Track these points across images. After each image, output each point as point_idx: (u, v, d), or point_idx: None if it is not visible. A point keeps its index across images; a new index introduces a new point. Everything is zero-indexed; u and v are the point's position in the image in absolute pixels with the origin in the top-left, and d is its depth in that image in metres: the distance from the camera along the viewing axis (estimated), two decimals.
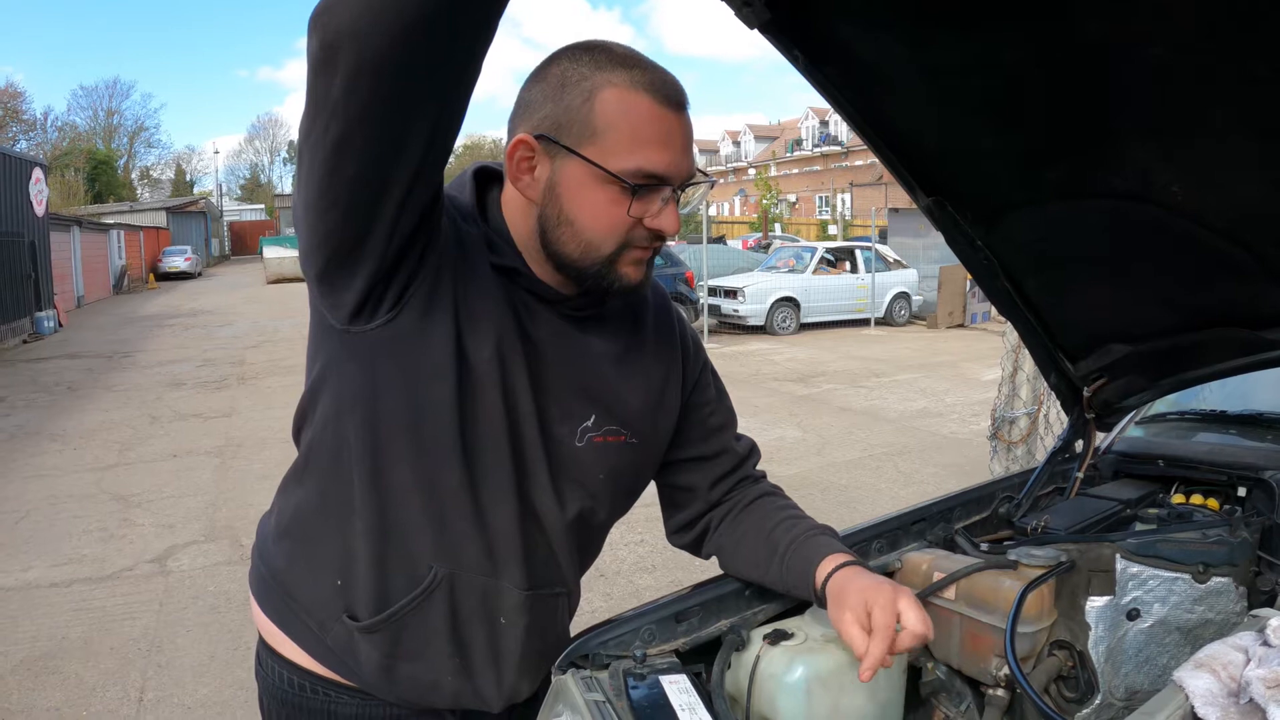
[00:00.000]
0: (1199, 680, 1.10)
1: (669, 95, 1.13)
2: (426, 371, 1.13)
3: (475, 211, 1.22)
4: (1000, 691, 1.43)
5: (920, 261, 17.59)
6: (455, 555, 1.21)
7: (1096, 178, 1.44)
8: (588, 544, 1.39)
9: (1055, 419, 4.17)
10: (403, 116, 0.92)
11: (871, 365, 12.36)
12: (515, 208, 1.21)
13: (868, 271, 16.47)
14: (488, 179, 1.28)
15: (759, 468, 1.53)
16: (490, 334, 1.16)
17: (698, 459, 1.45)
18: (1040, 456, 4.37)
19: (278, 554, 1.30)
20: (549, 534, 1.27)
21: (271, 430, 8.53)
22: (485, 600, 1.24)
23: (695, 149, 1.21)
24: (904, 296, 16.90)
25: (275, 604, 1.30)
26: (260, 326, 17.87)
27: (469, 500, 1.19)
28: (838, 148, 46.08)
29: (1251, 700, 1.04)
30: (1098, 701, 1.46)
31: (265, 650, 1.33)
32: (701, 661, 1.39)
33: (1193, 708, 1.07)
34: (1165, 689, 1.13)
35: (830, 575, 1.28)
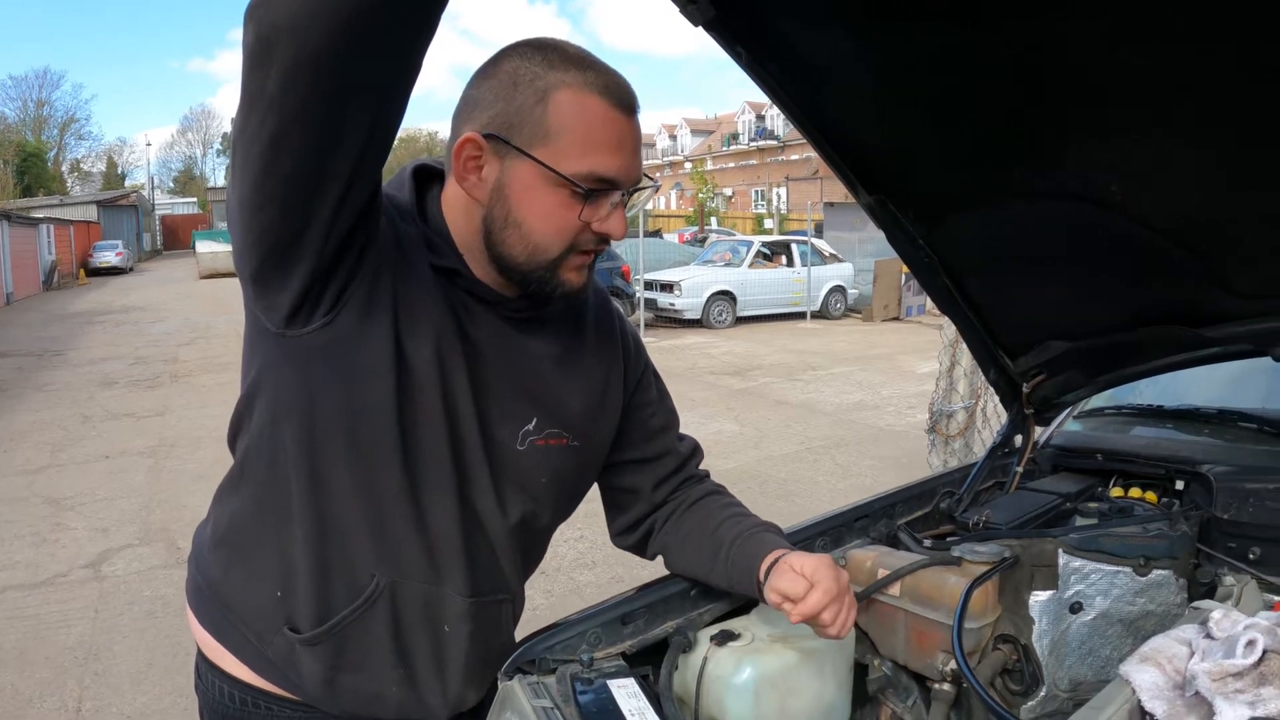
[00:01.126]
0: (1144, 674, 1.11)
1: (622, 99, 1.11)
2: (364, 374, 1.10)
3: (414, 210, 1.20)
4: (946, 686, 1.44)
5: (856, 255, 17.81)
6: (397, 562, 1.18)
7: (1039, 178, 1.46)
8: (531, 548, 1.37)
9: (993, 412, 4.24)
10: (340, 112, 0.90)
11: (808, 358, 12.48)
12: (457, 207, 1.18)
13: (804, 265, 16.61)
14: (427, 177, 1.25)
15: (701, 467, 1.52)
16: (429, 335, 1.14)
17: (640, 461, 1.44)
18: (978, 450, 4.46)
19: (214, 564, 1.27)
20: (491, 539, 1.25)
21: (206, 429, 8.31)
22: (428, 608, 1.22)
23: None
24: (840, 290, 17.09)
25: (213, 616, 1.26)
26: (193, 323, 17.41)
27: (409, 505, 1.17)
28: (774, 142, 46.48)
29: (1197, 693, 1.06)
30: (1043, 693, 1.48)
31: (204, 663, 1.29)
32: (649, 663, 1.37)
33: (1139, 701, 1.08)
34: (1112, 683, 1.14)
35: (772, 565, 1.28)
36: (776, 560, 1.27)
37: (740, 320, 16.09)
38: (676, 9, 1.35)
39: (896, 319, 16.54)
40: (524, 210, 1.11)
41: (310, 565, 1.17)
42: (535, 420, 1.25)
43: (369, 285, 1.08)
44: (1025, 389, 1.95)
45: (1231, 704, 1.01)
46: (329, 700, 1.22)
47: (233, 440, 1.26)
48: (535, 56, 1.10)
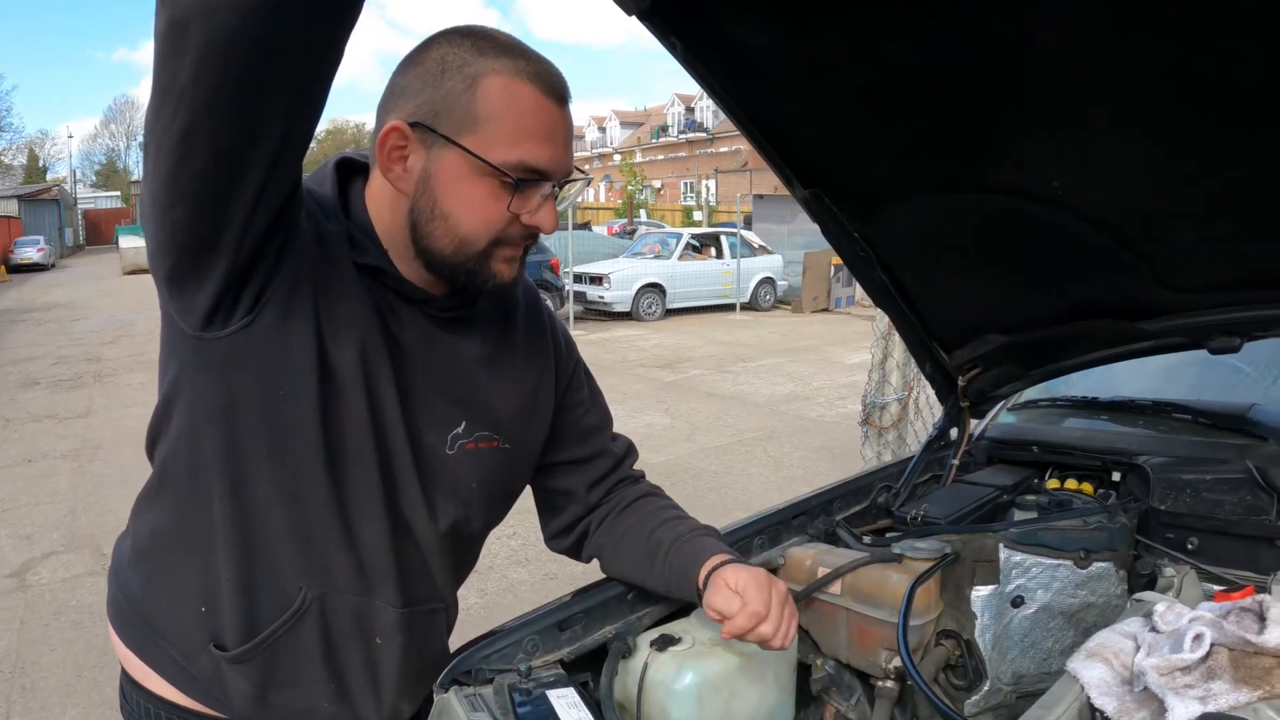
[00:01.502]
0: (1093, 670, 1.10)
1: (554, 88, 1.08)
2: (286, 379, 1.06)
3: (337, 206, 1.15)
4: (890, 683, 1.42)
5: (785, 247, 17.93)
6: (325, 574, 1.14)
7: (978, 172, 1.44)
8: (463, 555, 1.33)
9: (925, 404, 4.28)
10: (257, 102, 0.85)
11: (738, 350, 12.53)
12: (382, 201, 1.13)
13: (733, 257, 16.68)
14: (350, 171, 1.20)
15: (636, 466, 1.49)
16: (354, 338, 1.09)
17: (574, 462, 1.41)
18: (911, 441, 4.51)
19: (135, 580, 1.22)
20: (422, 547, 1.22)
21: (131, 430, 8.01)
22: (359, 621, 1.18)
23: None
24: (769, 282, 17.21)
25: (135, 634, 1.21)
26: (117, 320, 16.82)
27: (336, 515, 1.13)
28: (703, 134, 46.60)
29: (1146, 688, 1.04)
30: (986, 688, 1.47)
31: (129, 683, 1.24)
32: (588, 670, 1.34)
33: (1088, 698, 1.07)
34: (1060, 680, 1.13)
35: (712, 572, 1.26)
36: (714, 570, 1.25)
37: (670, 312, 16.10)
38: None
39: (826, 310, 16.71)
40: (451, 201, 1.07)
41: (234, 579, 1.12)
42: (464, 423, 1.22)
43: (289, 285, 1.04)
44: (961, 382, 1.94)
45: (1182, 699, 1.00)
46: (259, 719, 1.17)
47: (151, 447, 1.20)
48: (464, 43, 1.06)
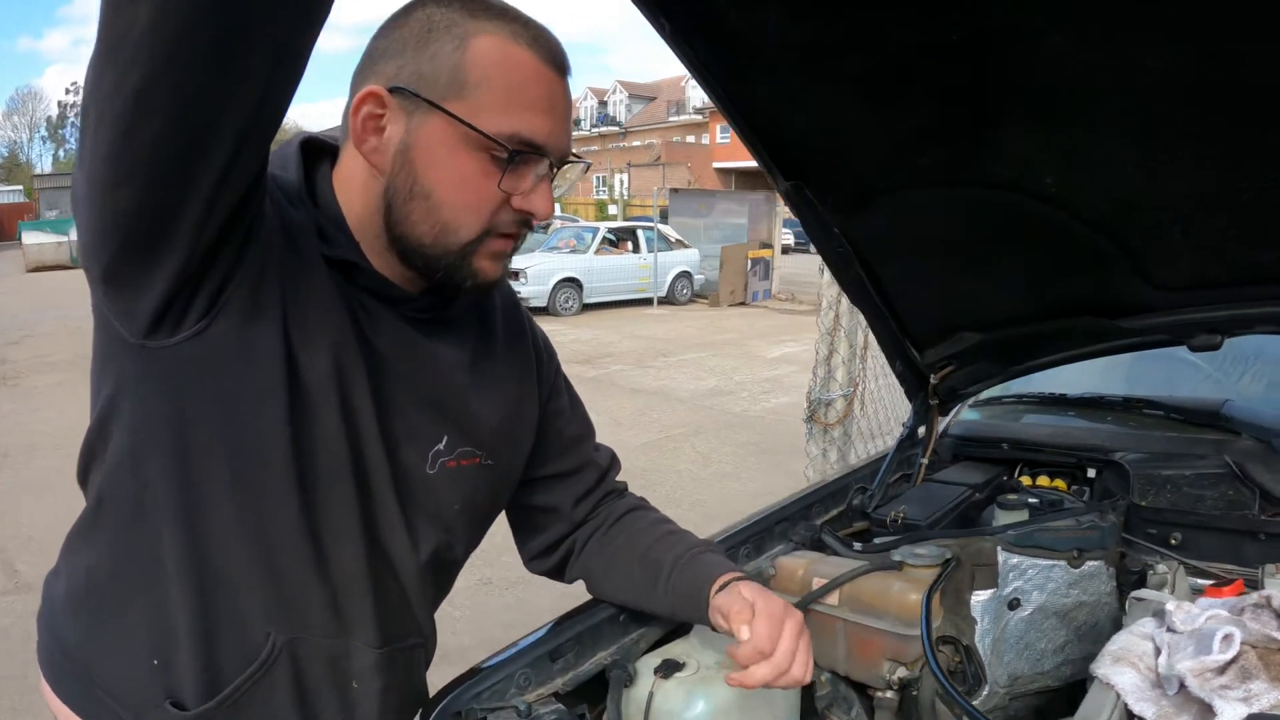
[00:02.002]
0: (1123, 676, 1.08)
1: (554, 55, 0.96)
2: (249, 393, 0.93)
3: (304, 191, 1.00)
4: (890, 694, 1.38)
5: (701, 241, 17.99)
6: (296, 616, 1.01)
7: (970, 166, 1.41)
8: (443, 584, 1.22)
9: (870, 401, 4.30)
10: (231, 54, 0.72)
11: (657, 345, 12.51)
12: (354, 184, 1.00)
13: (650, 251, 16.68)
14: (317, 154, 1.05)
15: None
16: (326, 344, 0.96)
17: (558, 475, 1.31)
18: (856, 438, 4.53)
19: (71, 629, 1.06)
20: (401, 578, 1.09)
21: (40, 435, 7.51)
22: (334, 665, 1.05)
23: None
24: (686, 276, 17.24)
25: (73, 690, 1.06)
26: (21, 320, 15.84)
27: (308, 547, 0.99)
28: (615, 128, 46.59)
29: (1183, 691, 1.02)
30: (985, 692, 1.44)
31: None
32: (583, 701, 1.25)
33: (1125, 705, 1.04)
34: (1094, 687, 1.10)
35: (723, 589, 1.17)
36: (723, 601, 1.15)
37: (587, 307, 16.00)
38: None
39: (743, 304, 16.84)
40: (433, 177, 0.95)
41: (192, 627, 0.98)
42: (446, 438, 1.10)
43: (252, 284, 0.90)
44: (933, 380, 1.92)
45: (1228, 702, 0.98)
46: None
47: (83, 475, 1.04)
48: (454, 3, 0.94)
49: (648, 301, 16.67)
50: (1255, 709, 0.97)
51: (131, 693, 1.02)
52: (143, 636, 1.00)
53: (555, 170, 1.00)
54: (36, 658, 1.13)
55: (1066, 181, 1.36)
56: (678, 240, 17.53)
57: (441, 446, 1.09)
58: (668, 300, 16.96)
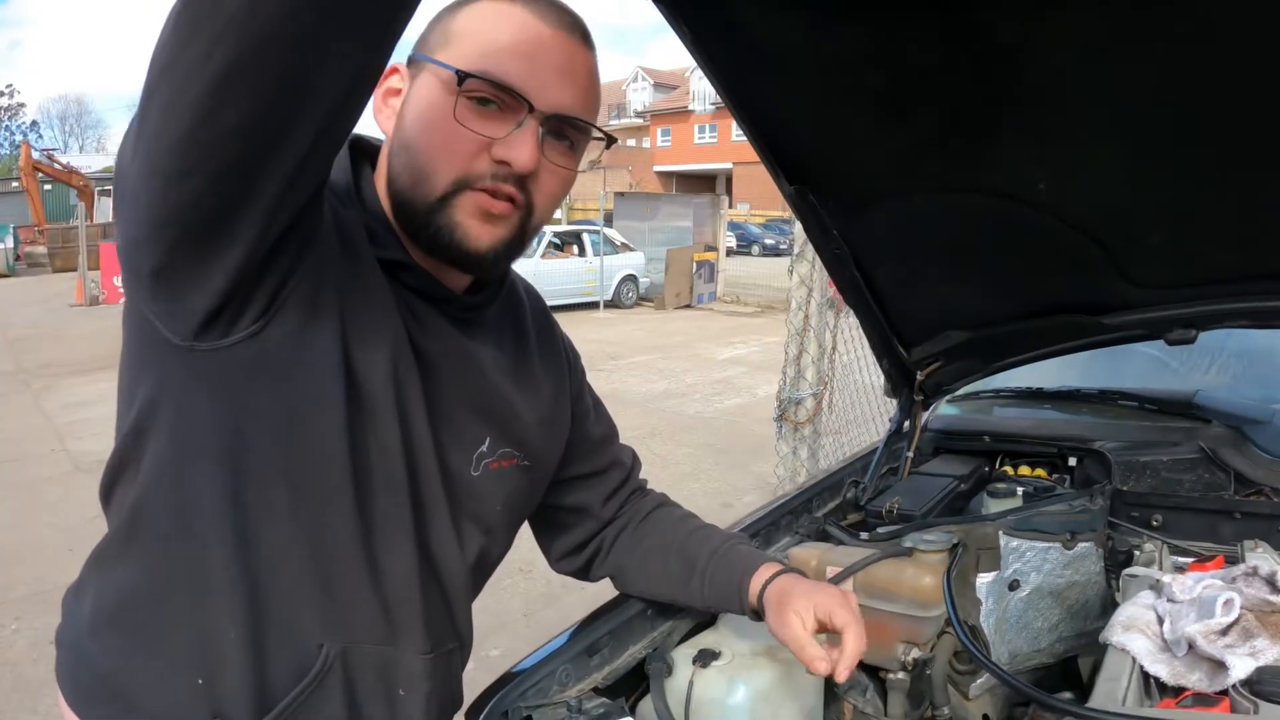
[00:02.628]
0: (1135, 642, 1.17)
1: (556, 16, 0.96)
2: (307, 399, 0.91)
3: (354, 191, 1.00)
4: (902, 675, 1.45)
5: (647, 244, 18.09)
6: (348, 626, 0.99)
7: (968, 173, 1.49)
8: (479, 587, 1.22)
9: (838, 401, 4.42)
10: (326, 39, 0.68)
11: (606, 348, 12.54)
12: (383, 176, 1.01)
13: (596, 255, 16.72)
14: (359, 155, 1.05)
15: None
16: (384, 349, 0.95)
17: (587, 475, 1.34)
18: (825, 436, 4.65)
19: (102, 651, 1.01)
20: (446, 582, 1.09)
21: None
22: (384, 674, 1.03)
23: (597, 96, 1.01)
24: (632, 279, 17.31)
25: (104, 714, 1.02)
26: None
27: (361, 556, 0.98)
28: None
29: (1191, 651, 1.11)
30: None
31: None
32: (621, 694, 1.30)
33: (1141, 666, 1.13)
34: (1109, 653, 1.19)
35: (767, 584, 1.22)
36: (771, 580, 1.22)
37: None
38: None
39: (689, 307, 16.96)
40: (414, 127, 0.94)
41: (242, 643, 0.95)
42: (488, 440, 1.10)
43: (310, 285, 0.87)
44: (920, 376, 2.00)
45: (1238, 657, 1.07)
46: None
47: (109, 490, 1.01)
48: None
49: (594, 305, 16.69)
50: (1261, 663, 1.06)
51: (173, 714, 0.98)
52: (185, 655, 0.96)
53: (543, 125, 0.95)
54: (56, 677, 1.09)
55: (1056, 189, 1.45)
56: (623, 244, 17.59)
57: (484, 448, 1.10)
58: (614, 304, 17.00)
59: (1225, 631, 1.12)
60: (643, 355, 11.92)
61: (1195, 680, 1.09)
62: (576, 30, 0.97)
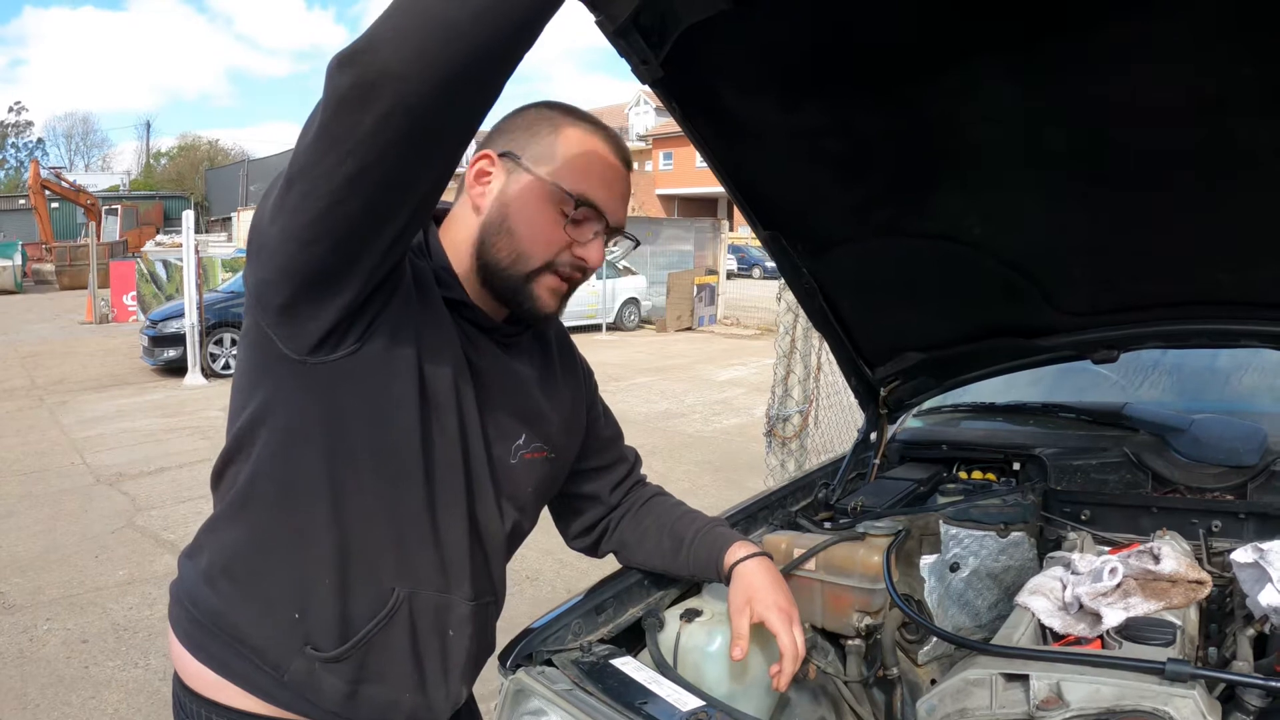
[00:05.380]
0: (1037, 602, 1.44)
1: (622, 153, 1.31)
2: (390, 400, 1.19)
3: (425, 247, 1.31)
4: (858, 641, 1.71)
5: (649, 267, 18.43)
6: (414, 574, 1.26)
7: (914, 219, 1.78)
8: (512, 552, 1.50)
9: (824, 419, 4.69)
10: (425, 153, 0.97)
11: (609, 370, 12.78)
12: (458, 239, 1.30)
13: (599, 278, 17.00)
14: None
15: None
16: (447, 364, 1.24)
17: (598, 468, 1.63)
18: (811, 450, 4.92)
19: (216, 597, 1.26)
20: (488, 546, 1.37)
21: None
22: (438, 615, 1.30)
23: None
24: (633, 302, 17.62)
25: (217, 651, 1.26)
26: None
27: (428, 521, 1.26)
28: None
29: (1081, 608, 1.38)
30: (934, 640, 1.79)
31: (192, 698, 1.28)
32: (622, 645, 1.57)
33: (1039, 621, 1.40)
34: (1014, 611, 1.45)
35: (739, 561, 1.51)
36: (744, 560, 1.50)
37: None
38: (628, 64, 1.55)
39: (690, 329, 17.24)
40: (518, 218, 1.24)
41: (333, 584, 1.22)
42: (524, 436, 1.39)
43: (395, 315, 1.16)
44: (883, 393, 2.28)
45: (1112, 610, 1.34)
46: (347, 713, 1.26)
47: (221, 471, 1.28)
48: (558, 109, 1.30)
49: (597, 327, 16.95)
50: (1131, 615, 1.34)
51: (274, 645, 1.23)
52: (286, 594, 1.22)
53: (609, 235, 1.31)
54: (169, 622, 1.34)
55: (989, 231, 1.73)
56: (625, 267, 17.87)
57: (520, 442, 1.39)
58: (616, 326, 17.27)
59: (1109, 593, 1.39)
60: (644, 376, 12.15)
61: (1080, 630, 1.36)
62: (631, 165, 1.33)
